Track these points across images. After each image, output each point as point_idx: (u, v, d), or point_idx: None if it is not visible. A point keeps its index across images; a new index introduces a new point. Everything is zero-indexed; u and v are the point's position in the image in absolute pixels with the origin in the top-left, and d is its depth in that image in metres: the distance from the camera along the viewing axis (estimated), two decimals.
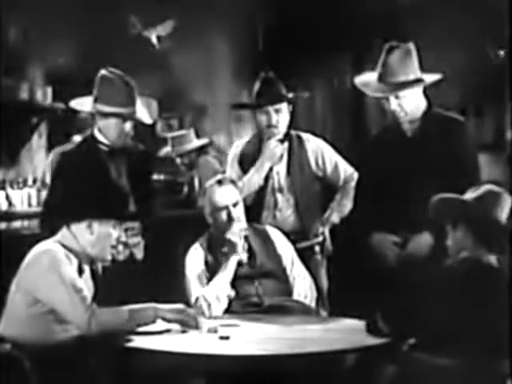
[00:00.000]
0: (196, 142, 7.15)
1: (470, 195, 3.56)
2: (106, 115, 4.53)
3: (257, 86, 4.87)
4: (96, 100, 4.55)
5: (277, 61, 7.26)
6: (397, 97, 4.31)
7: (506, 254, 3.52)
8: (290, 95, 4.88)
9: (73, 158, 4.61)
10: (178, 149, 7.13)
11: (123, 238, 4.17)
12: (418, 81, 4.31)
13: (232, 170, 4.91)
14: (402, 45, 4.33)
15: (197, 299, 4.22)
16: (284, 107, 4.84)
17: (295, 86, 5.10)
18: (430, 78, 4.37)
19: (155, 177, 7.22)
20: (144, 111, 4.63)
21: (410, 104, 4.33)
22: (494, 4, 6.09)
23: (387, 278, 4.34)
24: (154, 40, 8.02)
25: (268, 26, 7.83)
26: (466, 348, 3.36)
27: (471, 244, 3.52)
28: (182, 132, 7.30)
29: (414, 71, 4.31)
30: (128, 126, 4.55)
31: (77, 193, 3.94)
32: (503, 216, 3.52)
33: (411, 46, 4.34)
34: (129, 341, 3.58)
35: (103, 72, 4.56)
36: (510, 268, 3.49)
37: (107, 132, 4.56)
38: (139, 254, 4.61)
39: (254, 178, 4.80)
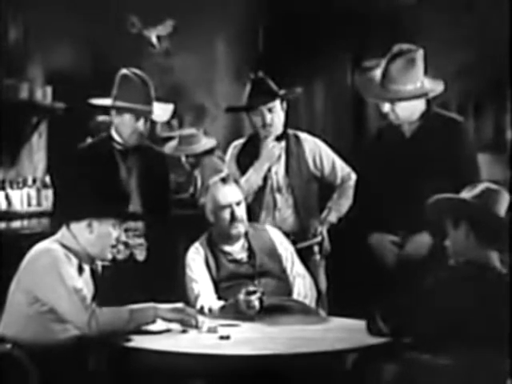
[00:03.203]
0: (205, 144, 7.02)
1: (467, 194, 3.55)
2: (120, 111, 4.56)
3: (247, 87, 4.88)
4: (114, 98, 4.61)
5: (276, 60, 7.27)
6: (391, 102, 4.30)
7: (507, 253, 3.52)
8: (282, 92, 4.87)
9: (84, 157, 4.63)
10: (186, 148, 7.00)
11: (123, 238, 4.17)
12: (418, 95, 4.28)
13: (230, 170, 4.91)
14: (408, 51, 4.27)
15: (201, 308, 4.22)
16: (277, 105, 4.83)
17: (291, 84, 5.08)
18: (431, 87, 4.33)
19: None
20: (160, 112, 4.66)
21: (404, 111, 4.31)
22: (494, 4, 6.09)
23: (386, 278, 4.34)
24: (154, 40, 8.02)
25: (268, 26, 7.83)
26: (466, 347, 3.36)
27: (473, 243, 3.51)
28: (192, 131, 7.16)
29: (414, 81, 4.27)
30: (141, 124, 4.57)
31: (79, 192, 3.95)
32: (503, 213, 3.51)
33: (418, 53, 4.28)
34: (129, 340, 3.58)
35: (124, 71, 4.62)
36: (511, 267, 3.50)
37: (121, 129, 4.59)
38: (141, 255, 4.61)
39: (253, 177, 4.80)
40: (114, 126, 4.63)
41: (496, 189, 3.55)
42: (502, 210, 3.51)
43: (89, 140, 4.72)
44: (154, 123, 7.54)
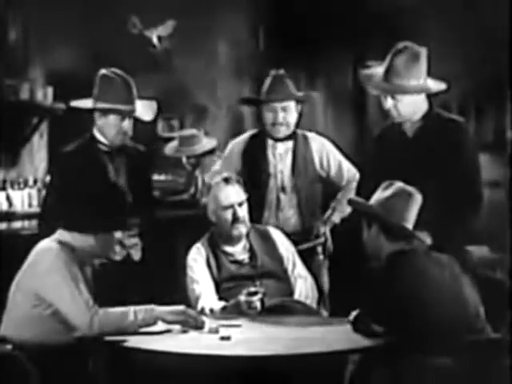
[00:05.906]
0: (206, 144, 7.01)
1: (381, 194, 3.73)
2: (104, 113, 4.54)
3: (267, 82, 4.89)
4: (96, 99, 4.57)
5: (277, 61, 7.26)
6: (393, 97, 4.30)
7: (507, 253, 3.54)
8: (300, 94, 4.89)
9: (72, 159, 4.60)
10: (187, 149, 6.99)
11: (121, 238, 4.17)
12: (421, 90, 4.28)
13: (230, 167, 4.90)
14: (412, 47, 4.28)
15: (202, 309, 4.22)
16: (292, 105, 4.86)
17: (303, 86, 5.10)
18: (434, 85, 4.33)
19: (161, 177, 7.21)
20: (143, 110, 4.63)
21: (406, 108, 4.30)
22: (494, 4, 6.09)
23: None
24: (155, 40, 8.02)
25: (269, 26, 7.83)
26: (466, 345, 3.37)
27: (384, 241, 3.69)
28: (193, 132, 7.14)
29: (418, 77, 4.27)
30: (126, 124, 4.55)
31: (74, 197, 3.91)
32: (411, 215, 3.69)
33: (422, 50, 4.29)
34: (128, 341, 3.58)
35: (103, 71, 4.58)
36: (511, 267, 3.51)
37: (106, 130, 4.56)
38: (136, 255, 4.61)
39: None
40: (98, 127, 4.58)
41: (408, 191, 3.72)
42: (413, 210, 3.69)
43: (73, 143, 4.67)
44: (155, 123, 7.58)
